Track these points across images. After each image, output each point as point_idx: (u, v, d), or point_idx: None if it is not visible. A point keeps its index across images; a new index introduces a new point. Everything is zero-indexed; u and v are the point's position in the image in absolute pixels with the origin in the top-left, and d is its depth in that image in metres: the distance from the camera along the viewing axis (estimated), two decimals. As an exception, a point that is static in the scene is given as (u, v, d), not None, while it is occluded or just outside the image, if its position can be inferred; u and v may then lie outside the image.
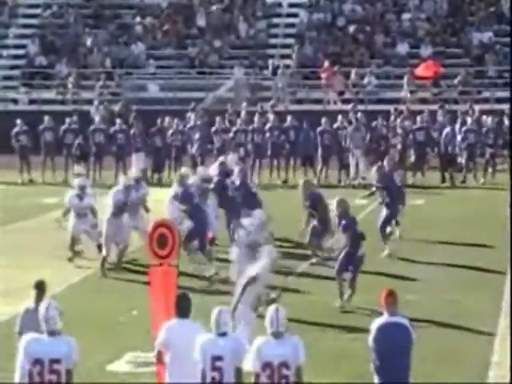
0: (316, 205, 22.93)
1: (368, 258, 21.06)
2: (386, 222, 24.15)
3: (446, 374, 14.93)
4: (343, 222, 20.05)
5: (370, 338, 12.36)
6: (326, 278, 20.03)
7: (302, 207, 24.17)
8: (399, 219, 24.61)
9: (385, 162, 26.86)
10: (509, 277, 21.00)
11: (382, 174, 24.47)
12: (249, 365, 11.77)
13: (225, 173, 26.03)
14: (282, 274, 20.60)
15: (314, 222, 23.02)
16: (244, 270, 17.21)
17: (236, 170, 26.29)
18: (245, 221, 19.10)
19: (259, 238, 18.19)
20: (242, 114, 38.99)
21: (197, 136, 37.20)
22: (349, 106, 39.71)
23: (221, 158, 29.27)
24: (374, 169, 25.45)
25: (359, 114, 37.71)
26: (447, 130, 36.66)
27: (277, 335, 11.67)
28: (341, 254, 18.21)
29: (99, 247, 23.50)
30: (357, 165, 36.68)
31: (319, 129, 36.81)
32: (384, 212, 24.02)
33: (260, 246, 17.55)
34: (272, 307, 12.23)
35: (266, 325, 11.78)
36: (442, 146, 36.64)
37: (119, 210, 23.16)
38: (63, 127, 37.88)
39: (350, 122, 37.68)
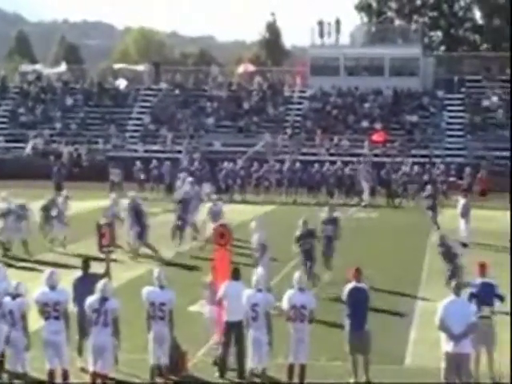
0: None
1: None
2: None
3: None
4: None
5: (344, 295, 13.50)
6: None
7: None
8: None
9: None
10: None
11: None
12: (283, 305, 12.87)
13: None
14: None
15: None
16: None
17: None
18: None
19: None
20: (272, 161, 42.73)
21: (242, 173, 41.17)
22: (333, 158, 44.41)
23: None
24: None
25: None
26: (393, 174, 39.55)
27: (300, 289, 12.87)
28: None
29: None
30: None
31: (313, 170, 40.05)
32: None
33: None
34: (297, 272, 13.43)
35: (294, 282, 12.96)
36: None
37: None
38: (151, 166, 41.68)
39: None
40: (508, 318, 15.88)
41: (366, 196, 39.26)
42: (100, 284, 12.56)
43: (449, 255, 19.08)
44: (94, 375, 12.39)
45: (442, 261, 19.32)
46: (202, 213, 26.95)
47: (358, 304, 13.39)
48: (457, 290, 12.22)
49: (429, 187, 30.88)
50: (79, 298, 13.24)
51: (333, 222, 21.12)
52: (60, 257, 24.06)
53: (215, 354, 14.13)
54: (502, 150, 46.99)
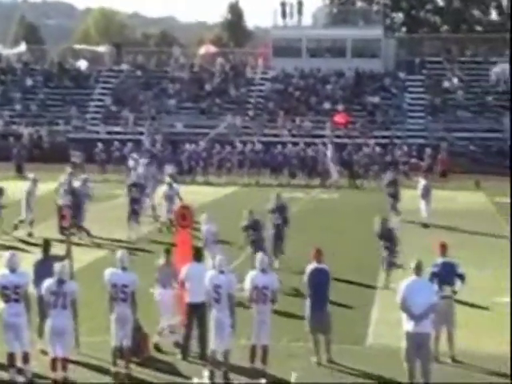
0: None
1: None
2: None
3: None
4: None
5: (305, 277, 13.53)
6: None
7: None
8: None
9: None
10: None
11: None
12: (246, 286, 12.85)
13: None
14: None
15: None
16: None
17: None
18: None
19: None
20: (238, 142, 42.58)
21: (204, 154, 41.11)
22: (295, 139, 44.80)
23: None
24: None
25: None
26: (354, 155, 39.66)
27: (262, 270, 12.84)
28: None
29: None
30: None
31: (276, 151, 40.28)
32: None
33: None
34: (259, 254, 13.33)
35: (256, 264, 12.96)
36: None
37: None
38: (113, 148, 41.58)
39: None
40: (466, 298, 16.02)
41: (335, 177, 39.17)
42: (57, 266, 12.45)
43: (389, 237, 18.73)
44: (55, 361, 12.32)
45: (382, 244, 18.85)
46: (158, 195, 26.78)
47: (320, 285, 13.41)
48: (418, 271, 12.22)
49: (389, 173, 30.33)
50: (40, 281, 13.04)
51: (280, 209, 20.38)
52: (19, 239, 23.70)
53: (167, 337, 14.13)
54: (462, 131, 47.48)
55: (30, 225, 24.59)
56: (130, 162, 34.62)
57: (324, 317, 13.43)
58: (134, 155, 35.87)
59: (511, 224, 24.34)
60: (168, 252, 14.47)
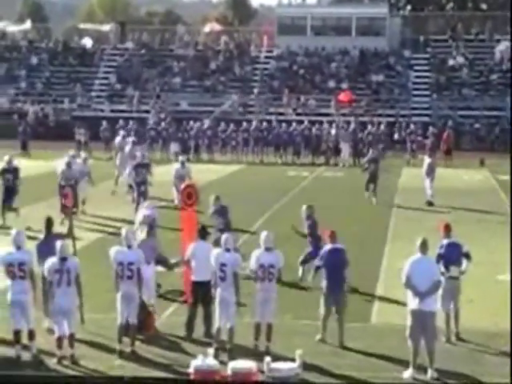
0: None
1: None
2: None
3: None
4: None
5: (321, 257, 13.56)
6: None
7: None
8: None
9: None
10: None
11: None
12: (251, 265, 12.88)
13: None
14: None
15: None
16: None
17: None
18: None
19: None
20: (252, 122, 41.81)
21: (209, 133, 41.00)
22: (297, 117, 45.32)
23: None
24: None
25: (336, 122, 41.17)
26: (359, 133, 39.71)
27: (268, 249, 12.82)
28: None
29: None
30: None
31: (280, 129, 40.23)
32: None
33: None
34: (264, 232, 13.21)
35: (261, 242, 12.88)
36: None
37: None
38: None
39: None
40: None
41: (346, 156, 39.10)
42: (58, 245, 12.43)
43: (313, 228, 17.05)
44: (61, 339, 12.31)
45: (309, 233, 17.12)
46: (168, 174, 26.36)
47: (337, 265, 13.42)
48: (423, 248, 12.16)
49: (372, 151, 29.55)
50: (43, 260, 12.92)
51: (220, 212, 17.63)
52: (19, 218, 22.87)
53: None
54: (467, 109, 47.64)
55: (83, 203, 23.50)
56: (117, 140, 34.13)
57: (341, 297, 13.38)
58: (122, 132, 35.72)
59: (511, 203, 24.19)
60: (150, 227, 14.41)
